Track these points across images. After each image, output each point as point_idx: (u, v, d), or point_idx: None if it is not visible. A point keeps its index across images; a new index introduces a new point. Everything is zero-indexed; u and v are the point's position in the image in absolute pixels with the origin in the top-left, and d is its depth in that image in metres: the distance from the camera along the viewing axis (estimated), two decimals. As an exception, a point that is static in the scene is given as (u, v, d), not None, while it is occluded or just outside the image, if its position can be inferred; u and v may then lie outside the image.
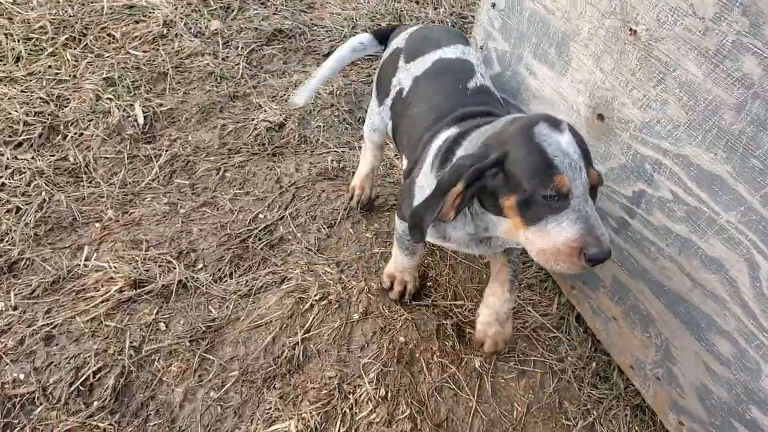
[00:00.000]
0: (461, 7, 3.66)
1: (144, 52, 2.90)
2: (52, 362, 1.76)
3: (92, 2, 3.06)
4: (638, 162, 1.67)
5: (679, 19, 1.44)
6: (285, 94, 2.84)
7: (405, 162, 1.88)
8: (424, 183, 1.61)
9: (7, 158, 2.26)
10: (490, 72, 2.28)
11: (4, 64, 2.65)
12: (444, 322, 2.07)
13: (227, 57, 2.99)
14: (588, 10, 1.73)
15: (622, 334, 1.91)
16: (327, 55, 3.12)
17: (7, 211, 2.11)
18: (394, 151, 2.69)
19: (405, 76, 1.94)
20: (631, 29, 1.59)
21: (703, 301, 1.57)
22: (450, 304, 2.14)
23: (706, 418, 1.66)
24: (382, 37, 2.26)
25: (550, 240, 1.28)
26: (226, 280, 2.08)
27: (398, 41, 2.08)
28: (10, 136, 2.35)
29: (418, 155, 1.73)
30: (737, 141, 1.37)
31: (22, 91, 2.53)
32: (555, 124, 1.32)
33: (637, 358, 1.86)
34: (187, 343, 1.88)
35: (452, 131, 1.63)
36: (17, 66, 2.65)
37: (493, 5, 2.17)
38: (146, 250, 2.10)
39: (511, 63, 2.15)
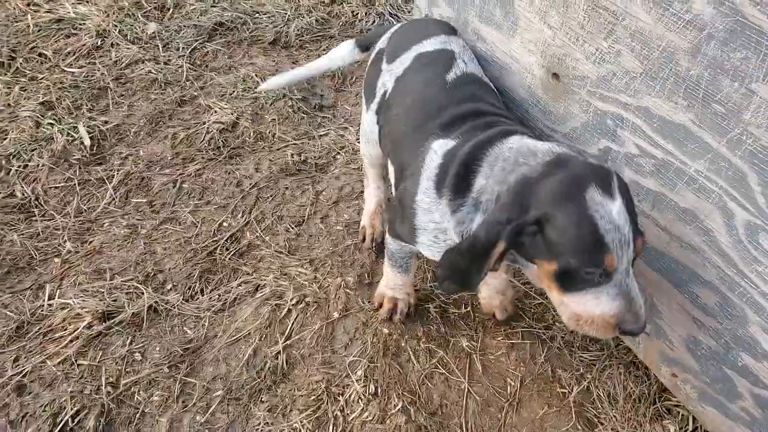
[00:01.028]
0: (406, -28, 3.53)
1: (80, 67, 2.77)
2: (27, 413, 1.69)
3: (17, 22, 2.91)
4: (599, 119, 1.60)
5: (621, -36, 1.36)
6: (234, 91, 2.73)
7: (391, 167, 1.75)
8: (431, 206, 1.47)
9: (-50, 204, 2.16)
10: (439, 41, 2.18)
11: (-68, 103, 2.51)
12: (426, 305, 2.03)
13: (169, 60, 2.86)
14: (527, -35, 1.64)
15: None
16: (272, 43, 3.01)
17: (-42, 261, 2.01)
18: (354, 135, 2.60)
19: (388, 78, 1.82)
20: (573, -19, 1.51)
21: (681, 254, 1.53)
22: (431, 287, 2.09)
23: (698, 368, 1.63)
24: (366, 45, 2.13)
25: (586, 309, 1.22)
26: (198, 298, 2.01)
27: (381, 42, 1.97)
28: (-51, 180, 2.24)
29: (405, 163, 1.60)
30: (696, 87, 1.31)
31: (-45, 129, 2.41)
32: (606, 185, 1.18)
33: (625, 315, 1.83)
34: (166, 370, 1.82)
35: (446, 143, 1.49)
36: (-55, 102, 2.52)
37: (432, -29, 2.06)
38: (111, 279, 2.02)
39: (457, 29, 2.05)
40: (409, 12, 3.23)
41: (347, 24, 3.19)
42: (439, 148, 1.50)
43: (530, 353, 1.94)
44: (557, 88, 1.71)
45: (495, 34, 1.88)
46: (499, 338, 1.97)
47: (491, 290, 1.97)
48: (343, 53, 2.16)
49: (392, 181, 1.77)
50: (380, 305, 1.97)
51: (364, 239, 2.20)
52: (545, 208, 1.20)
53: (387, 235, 1.78)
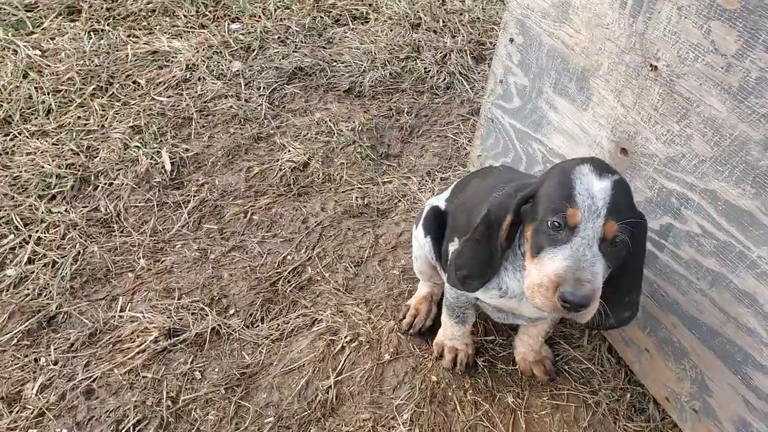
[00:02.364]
0: (479, 34, 3.68)
1: (168, 97, 2.98)
2: (93, 416, 1.80)
3: (117, 51, 3.16)
4: (664, 196, 1.65)
5: (701, 55, 1.44)
6: (308, 133, 2.89)
7: (452, 247, 1.79)
8: None
9: (42, 212, 2.34)
10: (511, 106, 2.29)
11: (36, 118, 2.74)
12: (475, 358, 2.07)
13: (250, 98, 3.05)
14: (607, 46, 1.73)
15: (655, 366, 1.88)
16: (347, 91, 3.18)
17: (44, 266, 2.17)
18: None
19: (435, 201, 2.02)
20: (651, 65, 1.59)
21: (737, 335, 1.55)
22: (481, 340, 2.14)
23: (750, 454, 1.62)
24: None
25: (542, 270, 1.25)
26: (258, 325, 2.10)
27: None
28: (43, 190, 2.43)
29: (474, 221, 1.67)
30: (765, 176, 1.36)
31: (53, 144, 2.62)
32: (600, 169, 1.27)
33: (672, 390, 1.83)
34: (223, 391, 1.90)
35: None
36: (48, 119, 2.74)
37: (512, 40, 2.18)
38: (179, 299, 2.14)
39: (531, 97, 2.15)
40: (479, 73, 3.36)
41: (419, 80, 3.34)
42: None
43: (574, 416, 1.95)
44: (624, 162, 1.78)
45: (567, 106, 1.97)
46: (544, 398, 1.99)
47: (525, 346, 2.03)
48: None
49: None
50: (440, 354, 2.03)
51: (403, 318, 2.14)
52: (542, 180, 1.34)
53: (446, 286, 1.85)
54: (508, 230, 1.39)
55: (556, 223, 1.24)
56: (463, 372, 2.01)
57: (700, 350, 1.69)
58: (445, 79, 3.34)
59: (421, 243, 2.00)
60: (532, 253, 1.30)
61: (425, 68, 3.39)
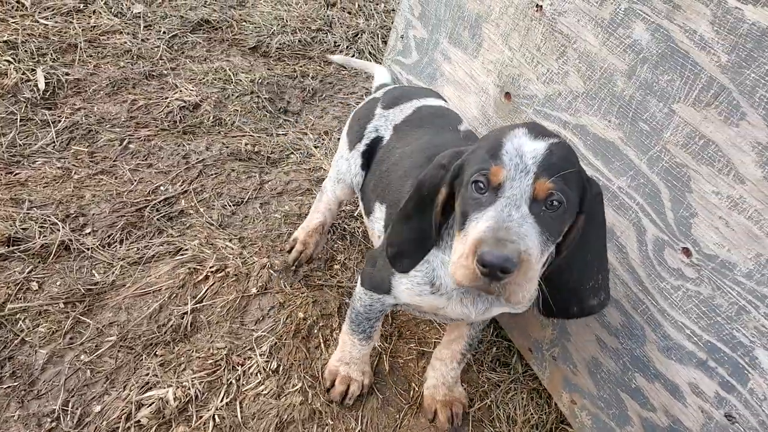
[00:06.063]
0: (392, 22, 3.73)
1: (55, 23, 2.77)
2: None
3: (5, -30, 2.92)
4: (540, 137, 1.69)
5: (580, -9, 1.50)
6: (204, 78, 2.76)
7: (380, 211, 1.64)
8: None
9: None
10: (409, 61, 2.30)
11: None
12: (348, 301, 2.00)
13: (147, 39, 2.90)
14: (499, -11, 1.78)
15: (521, 316, 1.90)
16: (252, 48, 3.10)
17: None
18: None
19: (383, 123, 1.79)
20: (537, 5, 1.65)
21: (596, 272, 1.58)
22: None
23: (596, 392, 1.65)
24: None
25: (465, 242, 1.09)
26: (116, 246, 1.94)
27: (375, 93, 1.99)
28: None
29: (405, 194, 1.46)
30: (628, 106, 1.42)
31: None
32: (537, 133, 1.13)
33: (536, 339, 1.85)
34: (62, 305, 1.72)
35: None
36: None
37: (414, -7, 2.21)
38: (28, 210, 1.94)
39: (428, 50, 2.18)
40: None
41: (328, 51, 3.32)
42: None
43: (438, 364, 1.92)
44: (507, 107, 1.81)
45: (460, 55, 2.00)
46: (411, 345, 1.95)
47: (437, 379, 1.77)
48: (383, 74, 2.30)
49: (378, 228, 1.66)
50: (332, 384, 1.73)
51: (290, 251, 2.04)
52: (474, 147, 1.20)
53: (357, 290, 1.61)
54: (442, 205, 1.24)
55: (480, 184, 1.10)
56: (352, 404, 1.74)
57: (561, 294, 1.72)
58: (354, 56, 3.33)
59: (354, 171, 1.81)
60: (459, 226, 1.14)
61: (335, 42, 3.38)
